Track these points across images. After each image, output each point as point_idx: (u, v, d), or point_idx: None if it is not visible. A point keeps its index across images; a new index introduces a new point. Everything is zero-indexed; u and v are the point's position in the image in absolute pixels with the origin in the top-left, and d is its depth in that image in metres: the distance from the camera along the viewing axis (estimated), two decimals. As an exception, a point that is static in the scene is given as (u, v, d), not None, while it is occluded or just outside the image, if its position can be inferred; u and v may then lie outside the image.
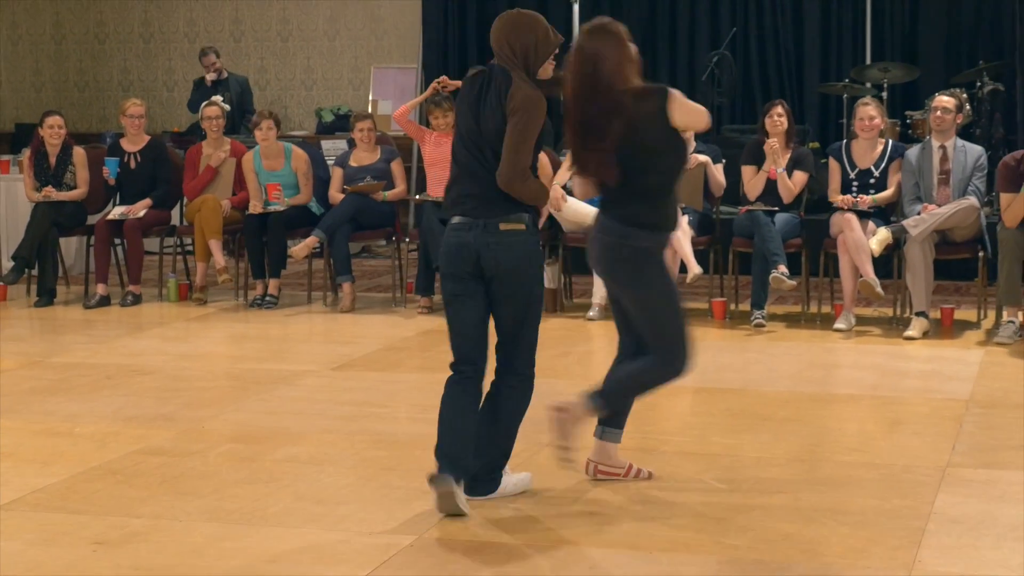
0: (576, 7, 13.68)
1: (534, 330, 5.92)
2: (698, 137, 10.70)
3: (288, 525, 5.62)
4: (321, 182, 11.48)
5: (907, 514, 5.70)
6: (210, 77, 14.80)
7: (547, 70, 5.84)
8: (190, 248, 11.72)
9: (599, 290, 10.33)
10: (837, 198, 10.03)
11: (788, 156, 10.26)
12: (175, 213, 12.03)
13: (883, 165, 10.11)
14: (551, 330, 9.88)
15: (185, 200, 11.89)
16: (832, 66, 14.33)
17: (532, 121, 5.68)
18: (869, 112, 10.11)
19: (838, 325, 9.81)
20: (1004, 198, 9.53)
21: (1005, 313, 9.58)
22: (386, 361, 9.05)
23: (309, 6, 16.17)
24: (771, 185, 10.25)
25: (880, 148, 10.17)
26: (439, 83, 11.04)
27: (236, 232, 11.42)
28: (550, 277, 10.62)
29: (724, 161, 10.69)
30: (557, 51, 5.90)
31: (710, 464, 6.45)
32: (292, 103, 16.23)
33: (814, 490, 6.05)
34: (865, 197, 9.94)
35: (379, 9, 15.96)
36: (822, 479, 6.24)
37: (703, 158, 10.53)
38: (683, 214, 10.20)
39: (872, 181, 10.08)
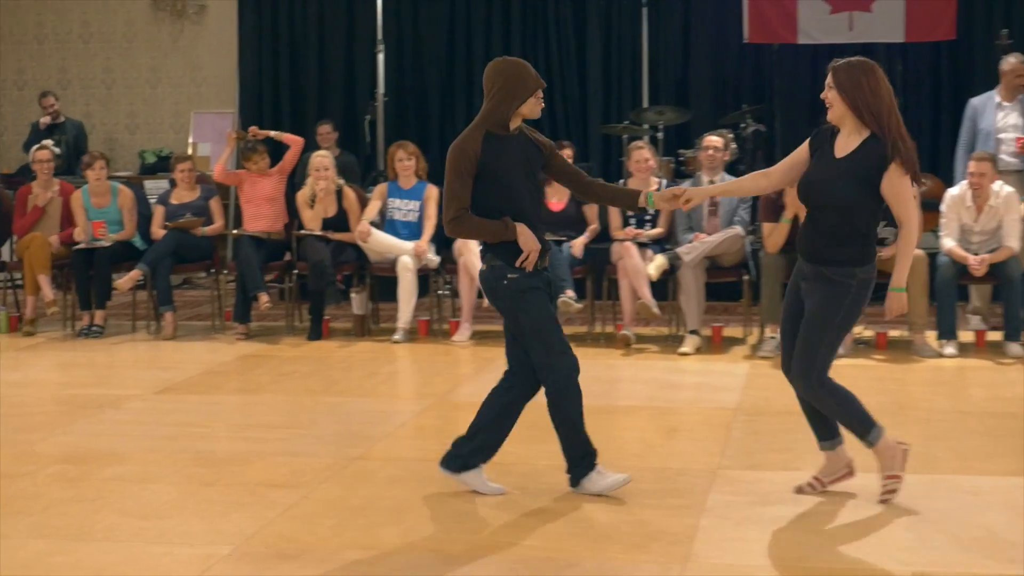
0: (381, 56, 13.71)
1: (532, 345, 6.02)
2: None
3: (114, 540, 5.53)
4: (144, 219, 11.34)
5: (682, 512, 5.80)
6: (44, 121, 14.48)
7: (532, 109, 5.95)
8: (20, 283, 11.47)
9: (404, 315, 10.36)
10: (619, 233, 10.20)
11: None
12: (5, 250, 11.78)
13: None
14: (359, 353, 9.91)
15: (15, 238, 11.65)
16: (613, 109, 14.51)
17: (449, 172, 5.84)
18: (644, 155, 10.32)
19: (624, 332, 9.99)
20: (766, 227, 9.76)
21: (767, 330, 9.79)
22: (206, 384, 8.95)
23: (132, 56, 15.95)
24: (558, 217, 10.37)
25: (655, 187, 10.34)
26: (241, 134, 11.25)
27: (64, 266, 11.21)
28: (358, 304, 10.63)
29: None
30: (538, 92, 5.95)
31: (507, 472, 6.47)
32: (117, 146, 15.97)
33: (598, 493, 6.13)
34: (641, 232, 10.11)
35: (198, 59, 15.81)
36: (606, 483, 6.31)
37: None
38: (480, 244, 10.29)
39: (648, 217, 10.26)
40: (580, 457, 6.13)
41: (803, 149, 5.93)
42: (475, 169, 5.86)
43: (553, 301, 6.14)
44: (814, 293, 5.78)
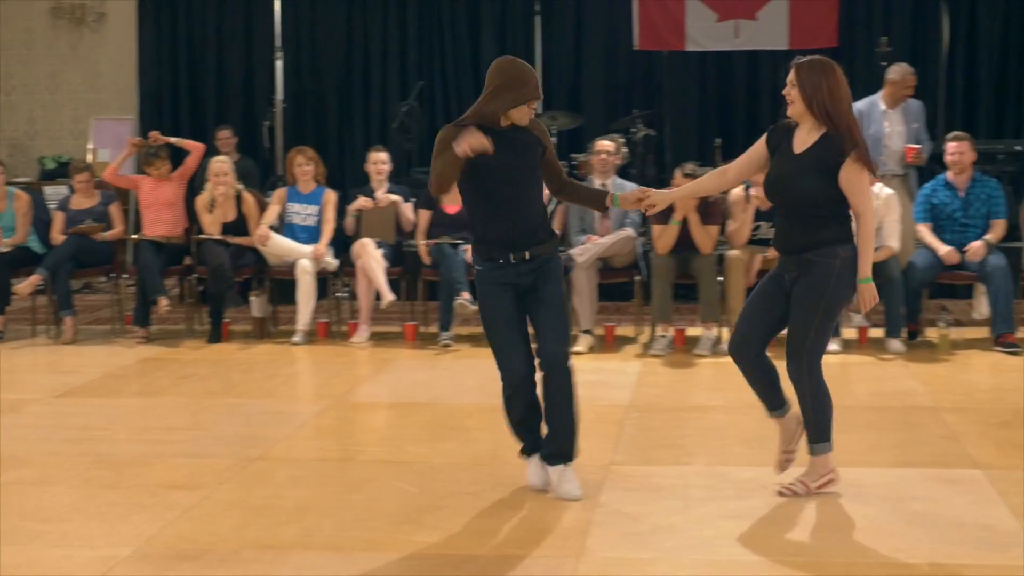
0: (279, 63, 13.62)
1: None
2: (390, 178, 10.79)
3: (14, 543, 5.43)
4: (43, 224, 11.17)
5: (576, 508, 5.80)
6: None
7: (521, 116, 5.87)
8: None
9: (303, 317, 10.30)
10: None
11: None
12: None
13: (551, 206, 10.30)
14: (259, 355, 9.83)
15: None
16: (508, 115, 14.51)
17: (435, 154, 5.78)
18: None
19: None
20: (656, 229, 9.81)
21: (658, 329, 9.85)
22: (106, 388, 8.83)
23: (31, 62, 15.70)
24: (454, 220, 10.35)
25: (547, 191, 10.34)
26: (141, 141, 11.10)
27: (-38, 272, 10.99)
28: (257, 307, 10.55)
29: (413, 200, 10.77)
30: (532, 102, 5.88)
31: (405, 471, 6.47)
32: (17, 152, 15.71)
33: (496, 490, 6.11)
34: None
35: (97, 65, 15.58)
36: (503, 480, 6.29)
37: (395, 197, 10.61)
38: (378, 247, 10.26)
39: (543, 218, 10.28)
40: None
41: (760, 145, 6.01)
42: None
43: (526, 297, 6.01)
44: (801, 280, 5.84)
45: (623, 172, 11.34)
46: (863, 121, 10.62)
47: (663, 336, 9.76)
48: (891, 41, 12.52)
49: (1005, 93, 14.17)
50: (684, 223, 9.65)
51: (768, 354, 6.03)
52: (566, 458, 6.04)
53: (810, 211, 5.77)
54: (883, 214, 9.70)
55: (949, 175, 10.00)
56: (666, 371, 9.12)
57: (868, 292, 5.82)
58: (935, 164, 11.74)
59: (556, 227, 10.10)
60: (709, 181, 6.37)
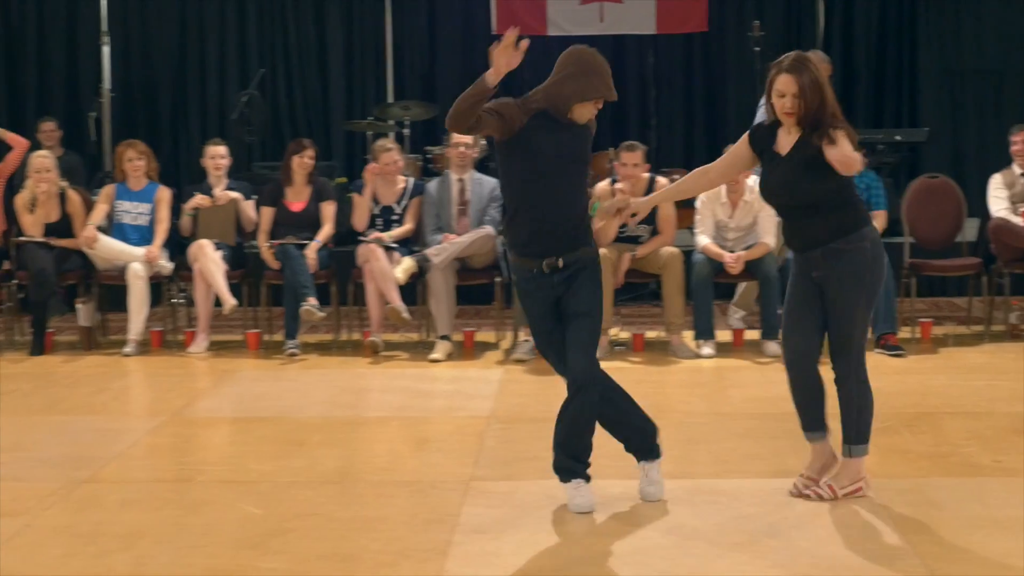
0: (106, 50, 13.42)
1: None
2: (229, 173, 10.69)
3: None
4: None
5: (435, 527, 5.78)
6: None
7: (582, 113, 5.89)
8: None
9: (135, 326, 10.14)
10: (366, 232, 10.16)
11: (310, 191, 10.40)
12: None
13: (405, 202, 10.29)
14: (87, 367, 9.66)
15: None
16: (357, 105, 14.49)
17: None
18: (392, 156, 10.29)
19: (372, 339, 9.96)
20: (517, 226, 9.82)
21: (521, 333, 9.87)
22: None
23: None
24: (299, 217, 10.28)
25: (402, 186, 10.34)
26: None
27: None
28: (84, 315, 10.37)
29: (255, 197, 10.66)
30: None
31: (248, 491, 6.39)
32: None
33: (347, 509, 6.07)
34: (383, 235, 10.08)
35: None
36: (354, 499, 6.26)
37: (234, 194, 10.50)
38: (217, 249, 10.14)
39: (395, 217, 10.25)
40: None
41: (743, 146, 6.10)
42: (512, 131, 5.80)
43: (546, 301, 5.99)
44: (832, 273, 5.91)
45: (482, 166, 11.35)
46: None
47: (526, 341, 9.77)
48: (763, 26, 12.70)
49: (883, 81, 14.47)
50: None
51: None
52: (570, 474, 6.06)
53: (816, 206, 5.88)
54: (757, 208, 9.82)
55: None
56: (530, 378, 9.14)
57: None
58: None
59: (410, 223, 10.11)
60: (692, 182, 6.46)
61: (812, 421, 6.20)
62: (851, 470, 6.13)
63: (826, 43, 13.96)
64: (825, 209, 5.87)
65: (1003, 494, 6.12)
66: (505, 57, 5.63)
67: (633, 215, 6.38)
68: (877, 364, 9.27)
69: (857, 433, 6.10)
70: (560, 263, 5.89)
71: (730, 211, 9.89)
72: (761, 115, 6.28)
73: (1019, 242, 9.95)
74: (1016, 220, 9.90)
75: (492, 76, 5.62)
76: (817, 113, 5.81)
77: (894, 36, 14.47)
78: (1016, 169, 10.29)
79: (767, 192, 6.06)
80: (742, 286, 10.57)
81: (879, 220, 9.94)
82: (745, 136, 6.12)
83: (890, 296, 9.69)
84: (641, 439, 6.22)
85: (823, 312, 6.02)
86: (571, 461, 6.04)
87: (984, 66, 13.96)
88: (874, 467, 6.57)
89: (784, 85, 5.86)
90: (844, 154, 5.71)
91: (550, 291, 5.94)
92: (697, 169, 6.43)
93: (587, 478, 6.05)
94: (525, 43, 5.66)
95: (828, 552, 5.41)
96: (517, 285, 6.11)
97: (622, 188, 9.64)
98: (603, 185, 9.89)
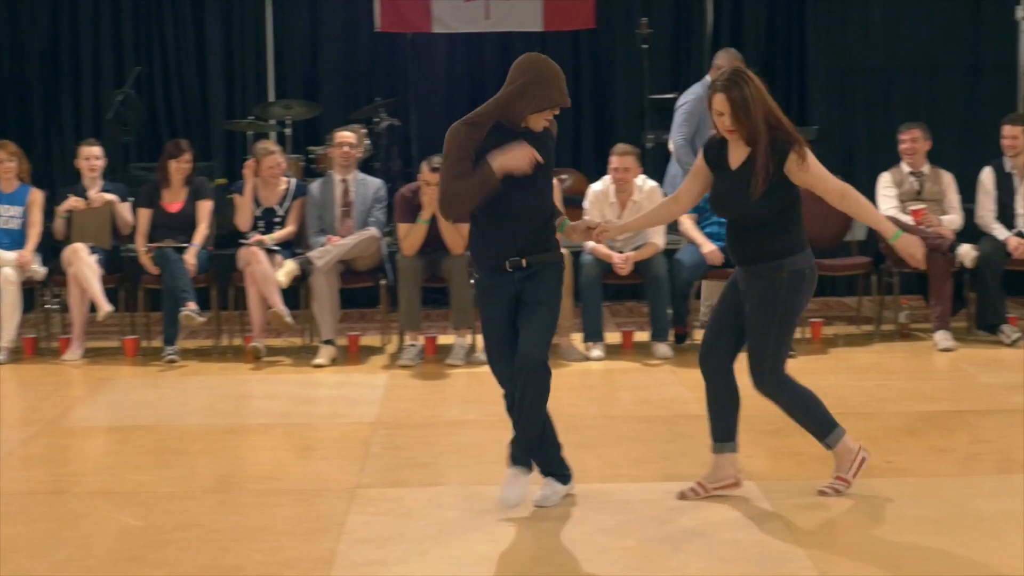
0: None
1: None
2: (105, 175, 10.57)
3: None
4: None
5: (319, 537, 5.76)
6: None
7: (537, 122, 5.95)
8: None
9: (7, 333, 9.99)
10: (247, 235, 10.09)
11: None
12: None
13: (287, 204, 10.24)
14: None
15: None
16: (237, 104, 14.37)
17: (448, 157, 5.90)
18: (276, 159, 10.22)
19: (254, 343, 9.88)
20: (402, 228, 9.81)
21: (407, 337, 9.86)
22: None
23: None
24: (175, 219, 10.19)
25: (283, 187, 10.29)
26: None
27: None
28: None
29: (132, 199, 10.55)
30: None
31: (126, 502, 6.33)
32: None
33: (229, 520, 6.03)
34: (264, 237, 10.02)
35: None
36: (236, 508, 6.23)
37: (110, 196, 10.38)
38: (92, 252, 10.02)
39: (277, 220, 10.19)
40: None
41: (700, 164, 6.19)
42: (474, 156, 5.85)
43: (506, 301, 6.04)
44: (750, 293, 6.05)
45: (366, 166, 11.32)
46: (699, 112, 10.78)
47: (412, 345, 9.76)
48: (651, 23, 12.79)
49: (772, 79, 14.55)
50: (433, 221, 9.65)
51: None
52: (517, 461, 6.14)
53: (756, 225, 5.98)
54: (646, 208, 9.87)
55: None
56: (416, 383, 9.13)
57: (907, 243, 6.05)
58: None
59: (292, 225, 10.06)
60: (664, 210, 6.61)
61: (719, 431, 6.27)
62: (844, 456, 6.27)
63: (714, 41, 14.05)
64: (761, 230, 5.98)
65: (893, 495, 6.22)
66: (521, 165, 5.83)
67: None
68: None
69: (820, 429, 6.24)
70: (524, 263, 5.98)
71: (619, 211, 9.94)
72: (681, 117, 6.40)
73: (908, 241, 10.10)
74: (905, 219, 10.05)
75: (498, 171, 5.81)
76: (750, 128, 5.89)
77: (783, 34, 14.60)
78: (905, 168, 10.45)
79: (718, 205, 6.14)
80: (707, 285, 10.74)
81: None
82: (700, 153, 6.23)
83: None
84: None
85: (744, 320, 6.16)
86: (517, 448, 6.14)
87: (873, 64, 14.13)
88: (765, 469, 6.65)
89: (719, 104, 5.95)
90: (816, 175, 5.95)
91: (511, 288, 6.01)
92: (667, 198, 6.58)
93: (528, 468, 6.13)
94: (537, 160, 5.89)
95: (720, 555, 5.46)
96: (478, 284, 6.14)
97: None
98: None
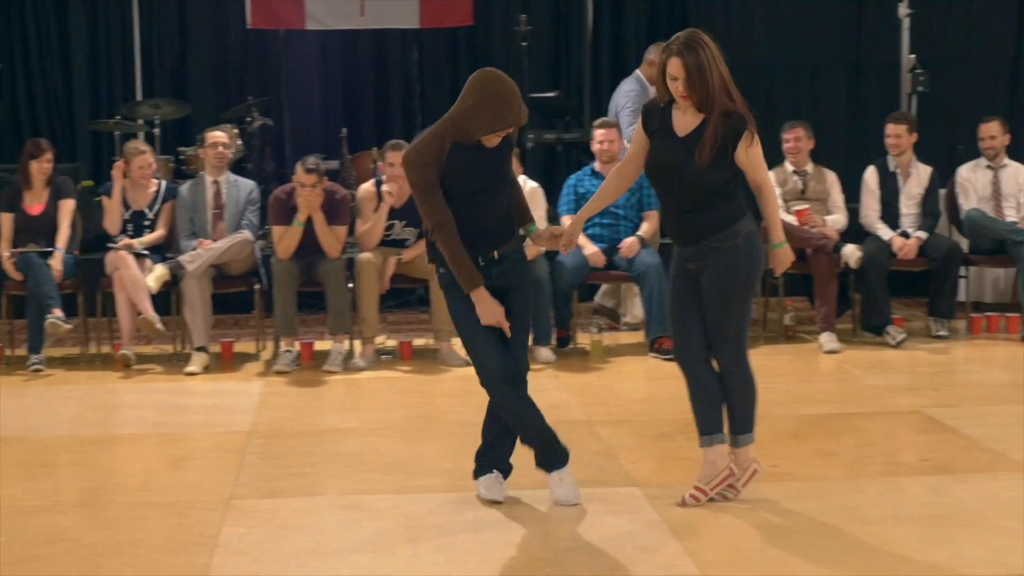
0: None
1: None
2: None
3: None
4: None
5: (193, 550, 5.71)
6: None
7: (490, 140, 6.02)
8: None
9: None
10: (115, 239, 9.98)
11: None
12: None
13: (157, 206, 10.15)
14: None
15: None
16: (103, 103, 14.22)
17: (417, 188, 6.02)
18: (147, 160, 10.12)
19: (127, 350, 9.76)
20: (276, 231, 9.76)
21: (282, 343, 9.81)
22: None
23: None
24: (37, 222, 10.06)
25: (153, 189, 10.18)
26: None
27: None
28: None
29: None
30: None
31: (-11, 517, 6.25)
32: None
33: (98, 534, 5.97)
34: (133, 241, 9.92)
35: None
36: (106, 522, 6.16)
37: (-30, 200, 10.23)
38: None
39: (146, 223, 10.10)
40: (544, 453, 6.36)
41: (640, 130, 6.17)
42: (437, 183, 5.98)
43: (503, 296, 6.20)
44: (707, 269, 6.07)
45: (238, 167, 11.25)
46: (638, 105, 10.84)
47: (288, 351, 9.72)
48: (530, 20, 12.84)
49: (653, 78, 14.70)
50: (308, 223, 9.61)
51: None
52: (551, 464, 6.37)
53: (703, 196, 6.00)
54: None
55: (597, 164, 10.29)
56: (292, 391, 9.09)
57: (784, 255, 6.26)
58: (581, 153, 12.12)
59: (162, 229, 9.97)
60: (612, 186, 6.49)
61: (707, 424, 6.31)
62: (743, 459, 6.31)
63: (595, 39, 14.15)
64: (708, 202, 6.03)
65: (779, 499, 6.29)
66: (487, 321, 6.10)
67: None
68: (652, 368, 9.50)
69: (743, 422, 6.29)
70: (496, 255, 6.13)
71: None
72: (628, 119, 6.44)
73: (792, 241, 10.17)
74: (788, 219, 10.16)
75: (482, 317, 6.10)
76: (705, 95, 5.92)
77: (664, 31, 14.69)
78: (788, 167, 10.58)
79: (659, 171, 6.13)
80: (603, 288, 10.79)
81: (652, 221, 10.13)
82: (639, 120, 6.21)
83: (663, 298, 9.85)
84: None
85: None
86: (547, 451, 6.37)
87: (756, 61, 14.29)
88: (651, 475, 6.70)
89: (673, 68, 5.97)
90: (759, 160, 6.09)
91: (487, 283, 6.10)
92: (612, 169, 6.52)
93: (563, 464, 6.37)
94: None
95: (605, 564, 5.49)
96: (454, 284, 6.17)
97: (388, 190, 9.65)
98: (367, 186, 9.90)
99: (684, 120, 6.04)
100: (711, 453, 6.28)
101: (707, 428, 6.29)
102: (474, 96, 5.96)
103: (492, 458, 6.48)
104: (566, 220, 10.14)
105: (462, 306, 6.16)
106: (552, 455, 6.34)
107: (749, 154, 6.01)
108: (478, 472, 6.47)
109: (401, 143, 9.78)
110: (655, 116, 6.13)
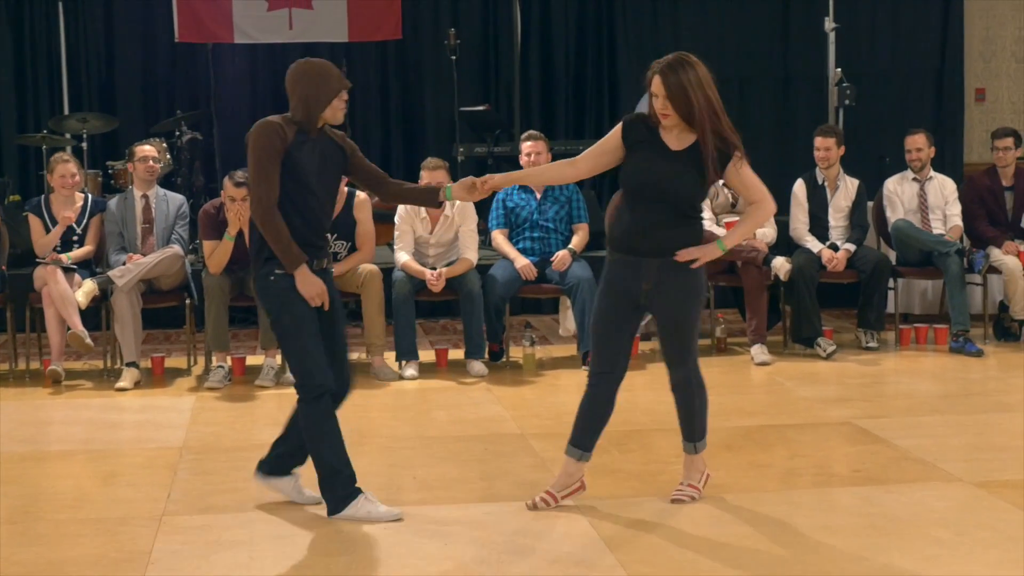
0: None
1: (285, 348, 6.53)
2: None
3: None
4: None
5: (125, 568, 5.66)
6: None
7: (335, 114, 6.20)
8: None
9: None
10: (45, 249, 9.89)
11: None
12: None
13: (84, 220, 10.08)
14: None
15: None
16: (30, 116, 14.12)
17: (257, 153, 6.15)
18: (70, 168, 10.05)
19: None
20: (207, 245, 9.71)
21: (214, 358, 9.76)
22: None
23: None
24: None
25: (80, 203, 10.11)
26: None
27: None
28: None
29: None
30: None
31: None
32: None
33: (29, 552, 5.90)
34: (62, 255, 9.84)
35: None
36: (37, 539, 6.09)
37: None
38: None
39: (75, 238, 10.02)
40: (329, 478, 6.25)
41: (615, 138, 6.22)
42: (281, 156, 6.09)
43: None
44: (665, 286, 6.13)
45: (167, 182, 11.20)
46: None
47: (220, 367, 9.66)
48: (459, 33, 12.86)
49: (584, 89, 14.77)
50: (239, 237, 9.57)
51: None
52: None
53: (679, 209, 6.10)
54: (459, 223, 9.92)
55: (526, 178, 10.28)
56: (224, 406, 9.04)
57: (713, 251, 6.21)
58: (511, 167, 12.12)
59: (90, 243, 9.90)
60: (556, 169, 6.61)
61: (586, 441, 6.39)
62: (699, 465, 6.52)
63: (523, 52, 14.18)
64: (685, 218, 6.13)
65: (713, 511, 6.31)
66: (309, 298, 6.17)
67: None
68: (581, 381, 9.46)
69: (701, 429, 6.48)
70: (325, 263, 6.34)
71: (430, 227, 9.96)
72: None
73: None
74: (719, 231, 10.21)
75: (291, 268, 6.15)
76: (688, 114, 5.99)
77: (593, 43, 14.78)
78: (719, 180, 10.61)
79: (645, 182, 6.11)
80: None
81: (582, 234, 10.16)
82: (618, 128, 6.26)
83: (594, 311, 9.89)
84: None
85: (635, 328, 6.33)
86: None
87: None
88: (588, 488, 6.70)
89: (655, 86, 6.05)
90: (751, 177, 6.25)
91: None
92: (564, 160, 6.55)
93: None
94: None
95: (539, 574, 5.50)
96: (292, 289, 6.18)
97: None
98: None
99: (678, 136, 6.12)
100: (574, 466, 6.40)
101: (585, 445, 6.40)
102: (298, 86, 6.18)
103: (283, 465, 6.57)
104: (497, 234, 10.17)
105: (298, 311, 6.20)
106: (335, 484, 6.28)
107: (741, 173, 6.15)
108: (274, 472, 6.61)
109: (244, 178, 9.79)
110: (640, 129, 6.20)
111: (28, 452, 7.88)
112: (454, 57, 12.75)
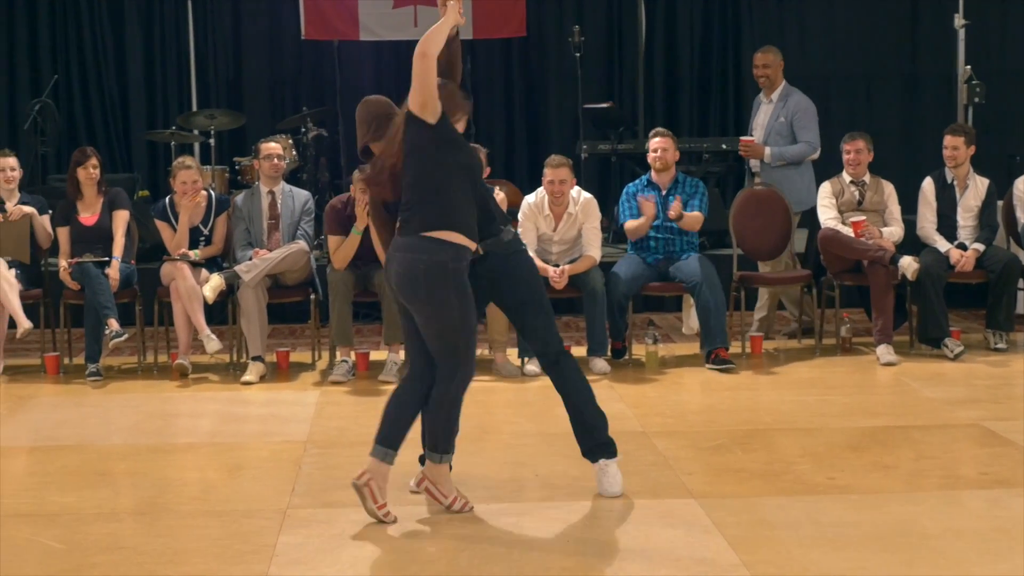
0: None
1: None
2: (22, 187, 10.47)
3: None
4: None
5: (250, 559, 5.73)
6: None
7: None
8: None
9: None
10: (177, 251, 9.99)
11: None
12: None
13: (211, 220, 10.18)
14: None
15: None
16: (159, 113, 14.32)
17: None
18: (192, 176, 10.11)
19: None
20: (332, 241, 9.77)
21: (338, 353, 9.83)
22: None
23: None
24: (92, 232, 10.11)
25: (205, 204, 10.20)
26: None
27: None
28: None
29: (51, 212, 10.44)
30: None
31: (49, 524, 6.27)
32: None
33: (155, 542, 5.98)
34: (190, 251, 9.96)
35: None
36: (163, 531, 6.18)
37: (28, 209, 10.27)
38: (10, 267, 9.93)
39: (202, 238, 10.12)
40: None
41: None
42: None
43: (480, 293, 6.46)
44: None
45: (293, 178, 11.29)
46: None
47: (344, 361, 9.73)
48: (584, 30, 12.85)
49: (708, 88, 14.70)
50: (366, 233, 9.61)
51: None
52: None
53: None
54: (582, 220, 9.90)
55: (652, 174, 10.26)
56: (348, 400, 9.10)
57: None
58: (635, 164, 12.09)
59: (219, 241, 10.00)
60: None
61: (395, 440, 6.50)
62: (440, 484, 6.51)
63: (648, 48, 14.13)
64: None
65: (837, 512, 6.26)
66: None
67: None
68: (708, 380, 9.46)
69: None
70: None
71: (553, 224, 9.96)
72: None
73: (849, 253, 10.18)
74: (845, 230, 10.13)
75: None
76: None
77: (718, 42, 14.72)
78: (846, 177, 10.52)
79: None
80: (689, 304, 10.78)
81: (696, 216, 10.09)
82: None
83: (720, 309, 9.83)
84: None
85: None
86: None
87: (811, 72, 14.22)
88: (707, 487, 6.68)
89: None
90: None
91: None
92: None
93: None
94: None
95: (661, 571, 5.47)
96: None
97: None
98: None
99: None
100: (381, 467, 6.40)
101: (394, 444, 6.48)
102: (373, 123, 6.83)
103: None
104: (630, 224, 10.09)
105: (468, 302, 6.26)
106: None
107: None
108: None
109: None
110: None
111: (155, 444, 7.98)
112: (578, 54, 12.73)
